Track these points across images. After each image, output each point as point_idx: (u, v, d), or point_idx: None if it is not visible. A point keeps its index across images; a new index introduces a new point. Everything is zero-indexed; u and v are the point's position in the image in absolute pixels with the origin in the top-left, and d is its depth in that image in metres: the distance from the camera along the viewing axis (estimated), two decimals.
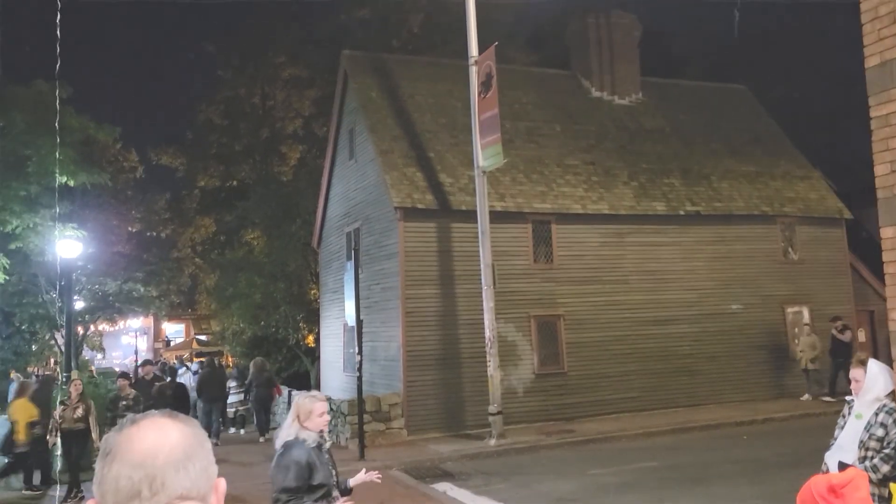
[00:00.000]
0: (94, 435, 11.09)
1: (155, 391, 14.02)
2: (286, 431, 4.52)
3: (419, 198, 15.85)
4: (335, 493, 4.56)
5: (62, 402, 11.22)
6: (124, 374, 13.43)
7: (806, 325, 17.80)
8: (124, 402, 11.65)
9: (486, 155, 14.28)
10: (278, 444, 4.55)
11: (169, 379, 18.34)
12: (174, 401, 15.13)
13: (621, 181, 17.91)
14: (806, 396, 17.21)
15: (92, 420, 11.13)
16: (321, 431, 4.57)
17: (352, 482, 4.76)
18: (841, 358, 16.85)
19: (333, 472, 4.57)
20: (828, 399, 16.68)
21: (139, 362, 16.60)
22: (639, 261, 17.34)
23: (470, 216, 14.89)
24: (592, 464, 11.78)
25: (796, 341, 17.86)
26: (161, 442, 1.30)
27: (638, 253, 17.37)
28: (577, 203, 17.03)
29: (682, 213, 17.85)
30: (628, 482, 10.41)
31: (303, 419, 4.51)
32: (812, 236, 19.27)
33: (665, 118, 20.03)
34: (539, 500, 9.57)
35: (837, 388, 16.63)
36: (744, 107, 21.83)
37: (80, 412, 11.01)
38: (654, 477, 10.65)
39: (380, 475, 4.82)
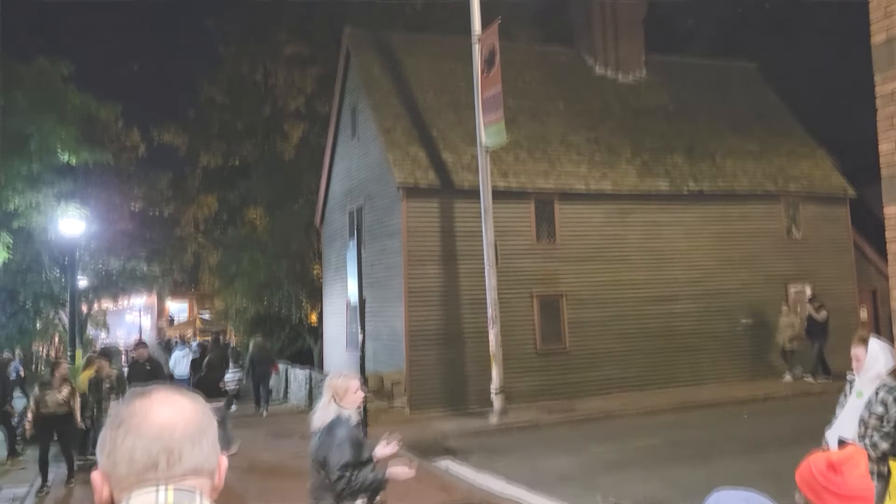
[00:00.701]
0: (78, 417, 10.65)
1: (206, 363, 13.87)
2: (324, 412, 4.57)
3: (422, 176, 15.82)
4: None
5: (42, 385, 10.65)
6: (104, 353, 12.46)
7: (784, 305, 17.54)
8: (108, 385, 10.94)
9: (489, 133, 14.22)
10: (316, 424, 4.59)
11: (199, 355, 18.38)
12: (220, 372, 14.84)
13: (625, 159, 17.84)
14: (787, 377, 17.12)
15: (75, 403, 10.60)
16: (358, 408, 4.66)
17: (377, 455, 4.79)
18: (816, 337, 16.81)
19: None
20: (809, 380, 16.65)
21: (134, 344, 15.95)
22: (641, 239, 17.32)
23: (473, 194, 14.87)
24: (594, 441, 11.85)
25: (785, 316, 17.55)
26: (178, 416, 1.32)
27: (641, 231, 17.34)
28: (579, 181, 16.98)
29: (685, 191, 17.80)
30: (629, 459, 10.48)
31: (339, 398, 4.57)
32: (816, 214, 19.22)
33: (669, 96, 19.91)
34: (540, 477, 9.64)
35: (823, 366, 16.66)
36: (749, 84, 21.68)
37: (63, 395, 10.47)
38: (655, 454, 10.72)
39: (399, 441, 4.84)
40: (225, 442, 12.03)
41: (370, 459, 4.55)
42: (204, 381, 12.81)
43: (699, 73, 21.26)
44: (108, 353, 12.39)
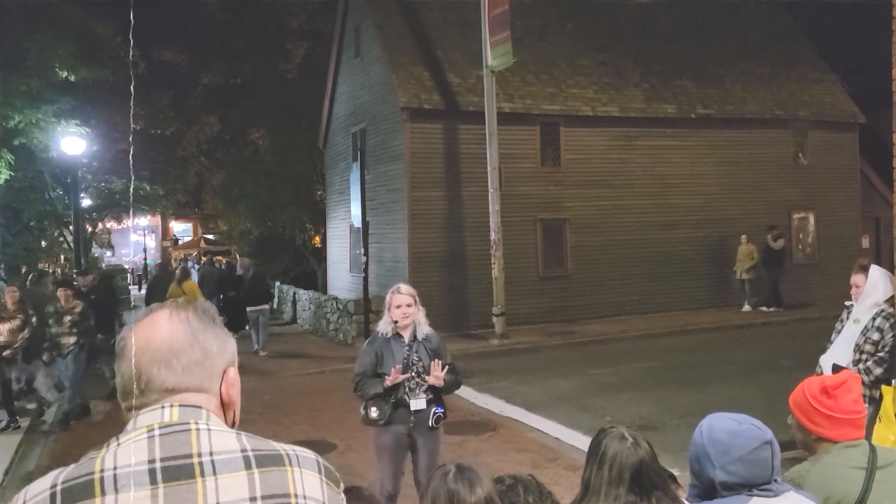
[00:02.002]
0: (18, 346, 9.31)
1: (252, 275, 14.70)
2: (379, 322, 5.10)
3: (426, 98, 15.59)
4: (411, 384, 4.87)
5: None
6: (66, 283, 10.57)
7: (743, 235, 16.97)
8: (70, 318, 9.36)
9: (495, 54, 13.93)
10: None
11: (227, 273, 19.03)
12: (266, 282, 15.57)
13: (632, 83, 17.51)
14: (746, 307, 16.82)
15: (26, 332, 9.34)
16: (395, 322, 4.93)
17: (434, 378, 4.86)
18: (773, 267, 16.62)
19: (419, 365, 4.88)
20: (765, 309, 16.54)
21: (79, 270, 14.01)
22: (647, 165, 17.18)
23: (478, 117, 14.67)
24: (593, 364, 12.06)
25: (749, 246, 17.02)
26: (149, 339, 1.33)
27: (646, 157, 17.19)
28: (586, 105, 16.73)
29: (693, 116, 17.55)
30: (627, 381, 10.69)
31: (387, 310, 5.01)
32: (824, 141, 18.99)
33: (681, 16, 19.34)
34: (539, 397, 9.85)
35: (782, 297, 16.64)
36: (762, 5, 21.03)
37: (16, 323, 9.30)
38: (653, 377, 10.92)
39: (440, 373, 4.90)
40: (262, 342, 14.39)
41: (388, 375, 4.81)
42: (254, 290, 14.60)
43: None
44: (70, 283, 10.53)
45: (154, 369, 1.31)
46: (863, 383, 4.92)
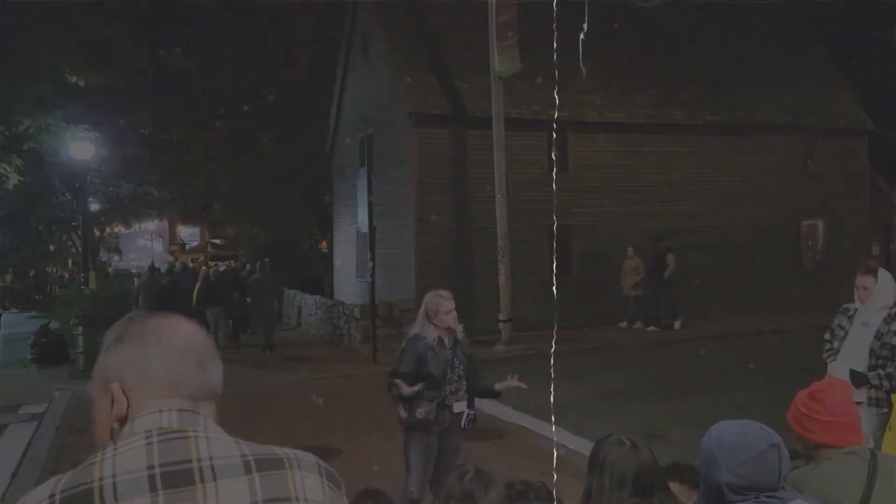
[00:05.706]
0: None
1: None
2: (415, 325, 5.06)
3: (433, 103, 15.60)
4: (452, 387, 4.94)
5: None
6: None
7: (630, 248, 16.09)
8: None
9: (502, 60, 13.93)
10: (409, 334, 5.13)
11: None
12: None
13: (641, 89, 17.48)
14: (624, 324, 16.02)
15: None
16: (448, 328, 4.95)
17: (498, 386, 5.16)
18: (663, 282, 15.67)
19: (460, 368, 4.95)
20: (652, 329, 15.64)
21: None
22: (655, 171, 17.13)
23: (485, 123, 14.66)
24: (600, 370, 12.00)
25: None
26: (173, 338, 1.34)
27: (654, 163, 17.14)
28: (594, 111, 16.71)
29: (701, 122, 17.50)
30: (635, 388, 10.64)
31: (430, 316, 4.93)
32: (833, 148, 18.90)
33: (690, 22, 19.28)
34: (545, 404, 9.78)
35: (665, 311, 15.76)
36: (773, 9, 20.95)
37: None
38: (661, 384, 10.86)
39: (522, 384, 5.12)
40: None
41: (430, 375, 4.82)
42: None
43: None
44: None
45: (181, 368, 1.32)
46: (879, 388, 4.86)
